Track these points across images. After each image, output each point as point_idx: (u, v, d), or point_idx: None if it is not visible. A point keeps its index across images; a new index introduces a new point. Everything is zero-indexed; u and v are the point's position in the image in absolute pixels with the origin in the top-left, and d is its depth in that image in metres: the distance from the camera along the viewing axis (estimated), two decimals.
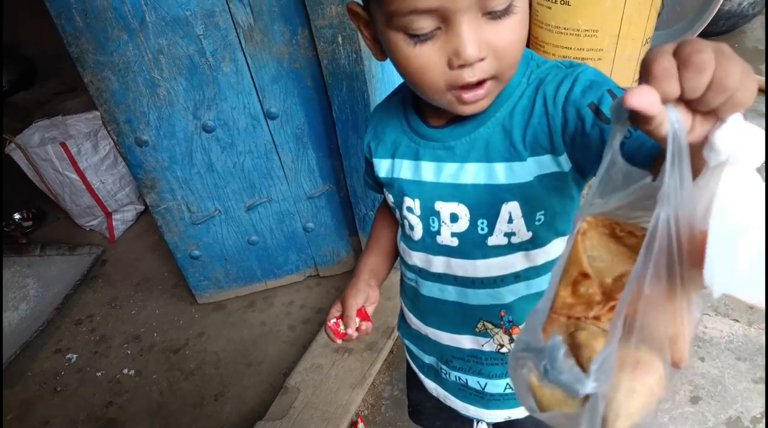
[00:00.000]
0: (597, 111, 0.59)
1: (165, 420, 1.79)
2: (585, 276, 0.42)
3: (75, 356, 2.07)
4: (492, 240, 0.74)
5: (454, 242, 0.77)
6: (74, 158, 2.38)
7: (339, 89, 1.59)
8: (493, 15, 0.58)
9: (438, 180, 0.75)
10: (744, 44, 2.14)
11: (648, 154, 0.51)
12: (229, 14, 1.49)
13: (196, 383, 1.89)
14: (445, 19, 0.58)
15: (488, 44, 0.60)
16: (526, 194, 0.69)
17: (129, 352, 2.05)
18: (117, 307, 2.27)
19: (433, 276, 0.83)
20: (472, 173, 0.71)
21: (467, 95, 0.63)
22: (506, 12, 0.59)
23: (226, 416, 1.76)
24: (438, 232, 0.78)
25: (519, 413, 0.93)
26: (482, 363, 0.87)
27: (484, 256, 0.76)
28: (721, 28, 2.19)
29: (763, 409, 1.51)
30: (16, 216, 2.75)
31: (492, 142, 0.69)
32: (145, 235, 2.64)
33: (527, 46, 0.69)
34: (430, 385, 1.01)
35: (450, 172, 0.73)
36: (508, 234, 0.73)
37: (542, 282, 0.78)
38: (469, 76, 0.61)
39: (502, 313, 0.81)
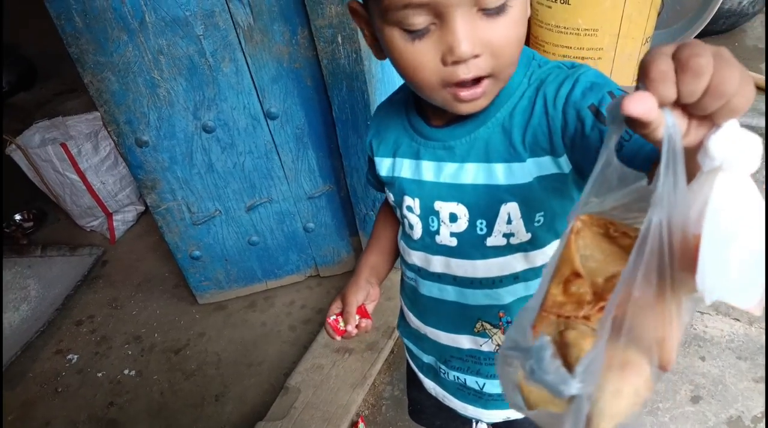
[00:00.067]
0: (597, 113, 0.59)
1: (166, 421, 1.79)
2: (577, 275, 0.42)
3: (76, 357, 2.07)
4: (491, 241, 0.74)
5: (453, 242, 0.77)
6: (75, 159, 2.38)
7: (339, 89, 1.59)
8: (489, 11, 0.58)
9: (438, 179, 0.75)
10: (744, 43, 2.14)
11: (647, 157, 0.51)
12: (229, 14, 1.49)
13: (197, 383, 1.89)
14: (438, 14, 0.58)
15: (483, 41, 0.59)
16: (525, 195, 0.69)
17: (130, 353, 2.05)
18: (118, 308, 2.27)
19: (432, 275, 0.83)
20: (472, 173, 0.71)
21: (463, 93, 0.63)
22: (502, 9, 0.58)
23: (226, 416, 1.76)
24: (437, 232, 0.78)
25: (517, 413, 0.93)
26: (481, 364, 0.87)
27: (483, 257, 0.76)
28: (721, 27, 2.19)
29: (763, 409, 1.51)
30: (17, 217, 2.75)
31: (491, 143, 0.69)
32: (146, 236, 2.64)
33: (527, 45, 0.69)
34: (429, 385, 1.01)
35: (449, 172, 0.73)
36: (507, 235, 0.73)
37: None
38: (464, 72, 0.61)
39: (501, 314, 0.81)
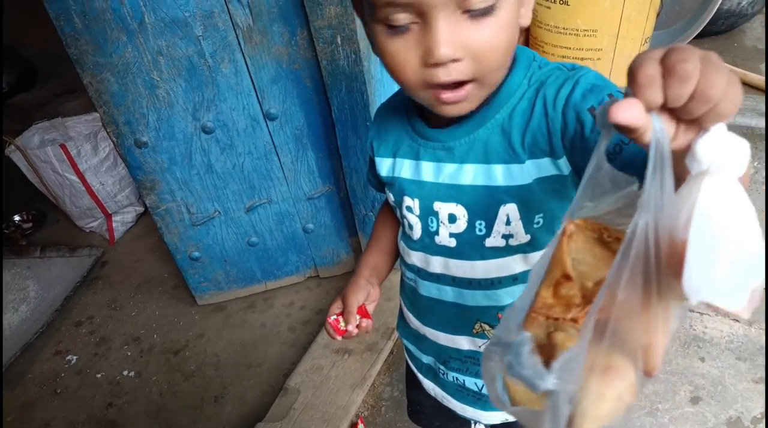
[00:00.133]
0: None
1: (165, 422, 1.78)
2: (567, 277, 0.43)
3: (75, 358, 2.07)
4: (490, 242, 0.74)
5: (452, 243, 0.77)
6: (74, 160, 2.38)
7: (338, 90, 1.59)
8: (474, 13, 0.57)
9: (437, 180, 0.75)
10: (743, 43, 2.14)
11: (645, 162, 0.51)
12: (228, 15, 1.49)
13: (196, 384, 1.89)
14: (421, 14, 0.57)
15: (465, 45, 0.58)
16: (524, 196, 0.69)
17: (129, 354, 2.05)
18: (117, 309, 2.27)
19: (431, 276, 0.83)
20: (471, 174, 0.71)
21: (445, 95, 0.63)
22: (488, 11, 0.57)
23: (226, 417, 1.76)
24: (436, 233, 0.78)
25: None
26: (479, 365, 0.87)
27: (482, 258, 0.76)
28: (721, 27, 2.19)
29: (763, 409, 1.51)
30: (16, 218, 2.76)
31: (490, 144, 0.69)
32: (145, 237, 2.64)
33: (526, 46, 0.69)
34: (429, 385, 1.01)
35: (449, 173, 0.73)
36: (506, 236, 0.73)
37: None
38: (444, 75, 0.60)
39: (500, 315, 0.81)
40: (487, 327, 0.82)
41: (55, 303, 2.27)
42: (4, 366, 2.02)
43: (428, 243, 0.80)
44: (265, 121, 1.71)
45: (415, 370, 1.04)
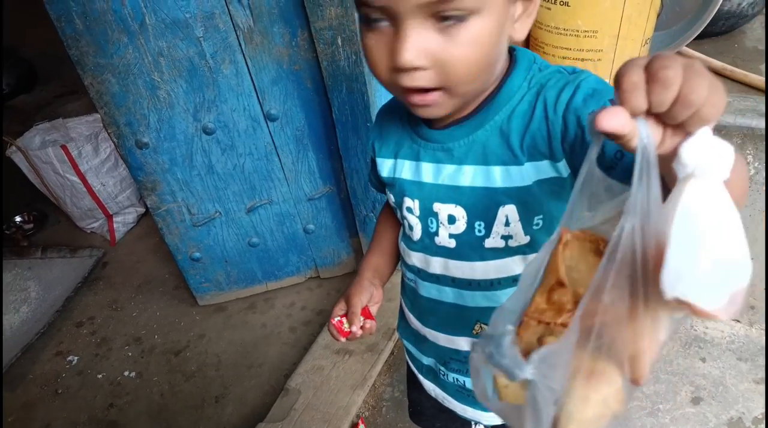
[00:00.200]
0: None
1: (166, 422, 1.79)
2: (561, 284, 0.44)
3: (76, 358, 2.07)
4: (489, 243, 0.74)
5: (452, 243, 0.77)
6: (75, 161, 2.38)
7: (339, 91, 1.59)
8: (447, 23, 0.56)
9: (436, 181, 0.75)
10: (744, 44, 2.14)
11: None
12: (229, 16, 1.49)
13: (197, 385, 1.89)
14: (392, 18, 0.57)
15: (432, 54, 0.58)
16: (523, 198, 0.69)
17: (130, 354, 2.05)
18: (118, 309, 2.27)
19: (431, 277, 0.83)
20: (470, 175, 0.71)
21: (413, 98, 0.63)
22: (461, 20, 0.56)
23: (227, 418, 1.76)
24: (436, 233, 0.78)
25: None
26: None
27: (482, 258, 0.76)
28: (721, 28, 2.19)
29: (764, 410, 1.51)
30: (17, 218, 2.76)
31: (489, 146, 0.69)
32: (146, 237, 2.64)
33: (526, 46, 0.69)
34: (429, 386, 1.01)
35: (448, 174, 0.73)
36: (506, 237, 0.73)
37: None
38: (408, 81, 0.60)
39: None
40: (486, 328, 0.82)
41: (56, 303, 2.27)
42: (5, 366, 2.02)
43: (428, 244, 0.80)
44: (266, 122, 1.71)
45: (415, 371, 1.04)
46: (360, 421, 1.62)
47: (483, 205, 0.72)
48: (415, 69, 0.59)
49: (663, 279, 0.36)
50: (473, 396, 0.92)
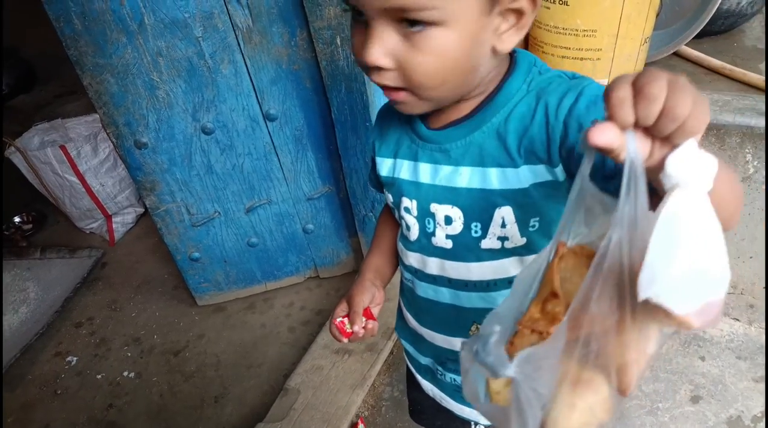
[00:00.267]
0: None
1: (165, 423, 1.78)
2: (555, 295, 0.45)
3: (75, 359, 2.07)
4: (485, 244, 0.74)
5: (449, 244, 0.77)
6: (74, 161, 2.38)
7: (338, 90, 1.59)
8: (410, 28, 0.58)
9: (434, 182, 0.75)
10: (743, 43, 2.14)
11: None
12: (228, 16, 1.49)
13: (197, 385, 1.89)
14: (364, 15, 0.59)
15: (395, 56, 0.60)
16: (519, 200, 0.69)
17: (129, 355, 2.05)
18: (117, 310, 2.27)
19: (428, 277, 0.83)
20: (467, 177, 0.71)
21: (385, 92, 0.65)
22: (424, 25, 0.57)
23: (226, 418, 1.76)
24: (433, 234, 0.78)
25: None
26: None
27: (478, 259, 0.76)
28: (720, 27, 2.19)
29: (763, 408, 1.51)
30: (16, 219, 2.76)
31: (486, 147, 0.69)
32: (145, 238, 2.64)
33: (525, 47, 0.69)
34: (427, 386, 1.01)
35: (445, 175, 0.73)
36: (502, 239, 0.73)
37: None
38: (375, 78, 0.63)
39: None
40: None
41: (55, 304, 2.27)
42: (4, 367, 2.01)
43: (425, 245, 0.80)
44: (265, 122, 1.71)
45: (413, 371, 1.04)
46: (359, 421, 1.62)
47: (479, 207, 0.72)
48: (380, 68, 0.61)
49: (639, 280, 0.37)
50: None
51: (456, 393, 0.94)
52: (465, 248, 0.76)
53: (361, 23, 0.61)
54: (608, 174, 0.53)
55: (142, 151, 1.69)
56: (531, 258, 0.74)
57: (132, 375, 1.97)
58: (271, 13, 1.51)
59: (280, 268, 2.14)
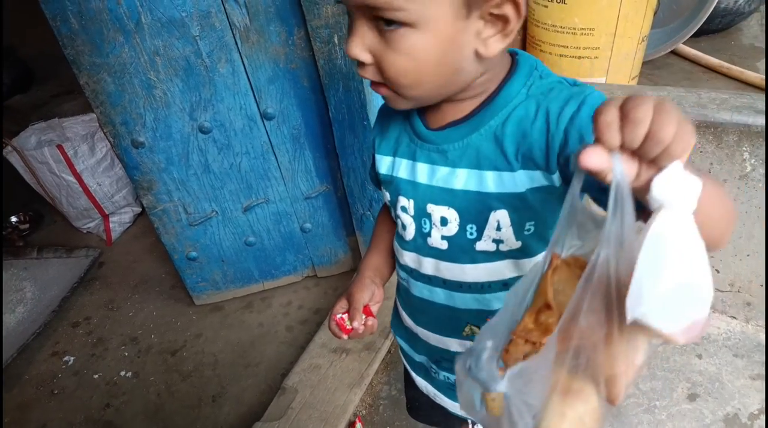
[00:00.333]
0: None
1: (163, 422, 1.78)
2: (548, 306, 0.47)
3: (72, 358, 2.06)
4: (480, 246, 0.74)
5: (444, 245, 0.77)
6: (71, 160, 2.37)
7: (335, 89, 1.59)
8: (386, 27, 0.59)
9: (431, 182, 0.75)
10: (740, 41, 2.15)
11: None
12: (225, 15, 1.49)
13: (194, 384, 1.89)
14: (348, 11, 0.62)
15: (373, 53, 0.62)
16: (515, 204, 0.69)
17: (126, 354, 2.05)
18: (114, 309, 2.26)
19: (423, 277, 0.83)
20: (463, 179, 0.71)
21: (372, 87, 0.67)
22: (397, 24, 0.59)
23: (224, 417, 1.76)
24: (429, 234, 0.78)
25: None
26: None
27: (473, 261, 0.76)
28: (717, 26, 2.19)
29: (760, 406, 1.51)
30: (13, 219, 2.74)
31: (482, 150, 0.69)
32: (143, 237, 2.63)
33: (523, 46, 0.69)
34: (421, 383, 1.01)
35: (442, 176, 0.73)
36: (497, 241, 0.73)
37: None
38: (359, 70, 0.65)
39: (489, 319, 0.81)
40: (476, 330, 0.82)
41: (52, 304, 2.26)
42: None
43: (421, 245, 0.80)
44: (263, 121, 1.71)
45: (408, 368, 1.04)
46: (357, 420, 1.62)
47: (475, 209, 0.72)
48: (362, 62, 0.63)
49: (627, 301, 0.38)
50: None
51: (449, 390, 0.95)
52: (460, 249, 0.76)
53: (351, 18, 0.63)
54: (603, 187, 0.54)
55: (139, 151, 1.69)
56: (526, 261, 0.74)
57: (129, 374, 1.96)
58: (268, 11, 1.50)
59: (278, 267, 2.14)
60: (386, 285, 0.93)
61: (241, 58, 1.57)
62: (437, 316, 0.85)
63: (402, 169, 0.79)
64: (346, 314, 0.84)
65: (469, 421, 1.07)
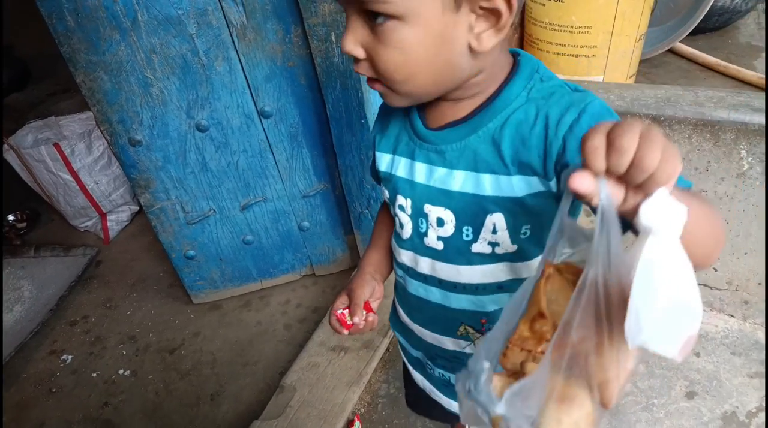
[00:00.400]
0: None
1: (161, 421, 1.78)
2: (542, 315, 0.49)
3: (70, 357, 2.06)
4: (476, 248, 0.74)
5: (440, 246, 0.77)
6: (68, 159, 2.37)
7: (333, 87, 1.59)
8: (376, 21, 0.59)
9: (428, 183, 0.75)
10: (737, 40, 2.15)
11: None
12: (222, 13, 1.49)
13: (192, 383, 1.89)
14: (342, 6, 0.62)
15: (365, 48, 0.63)
16: (511, 208, 0.69)
17: (124, 353, 2.05)
18: (112, 308, 2.26)
19: (419, 275, 0.83)
20: (460, 181, 0.71)
21: (367, 83, 0.67)
22: (385, 18, 0.59)
23: (222, 416, 1.76)
24: (425, 234, 0.78)
25: None
26: (464, 364, 0.87)
27: (468, 263, 0.76)
28: (714, 24, 2.20)
29: (758, 404, 1.52)
30: (10, 217, 2.74)
31: (480, 153, 0.69)
32: (140, 236, 2.63)
33: (520, 45, 0.69)
34: (418, 377, 1.02)
35: (439, 177, 0.73)
36: (492, 244, 0.73)
37: None
38: (354, 66, 0.65)
39: (483, 321, 0.81)
40: (471, 330, 0.82)
41: (49, 302, 2.26)
42: None
43: (417, 244, 0.80)
44: (260, 119, 1.71)
45: (405, 362, 1.05)
46: (355, 418, 1.62)
47: (471, 211, 0.71)
48: (356, 58, 0.64)
49: (626, 331, 0.40)
50: None
51: (444, 387, 0.95)
52: (456, 251, 0.76)
53: (346, 15, 0.63)
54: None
55: (136, 149, 1.68)
56: (521, 264, 0.74)
57: (127, 373, 1.96)
58: (265, 9, 1.50)
59: (276, 266, 2.14)
60: (386, 283, 0.93)
61: (238, 56, 1.57)
62: (432, 315, 0.85)
63: (401, 167, 0.79)
64: (347, 309, 0.85)
65: None
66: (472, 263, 0.76)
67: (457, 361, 0.88)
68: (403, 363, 1.11)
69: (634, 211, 0.42)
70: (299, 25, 1.51)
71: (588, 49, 1.88)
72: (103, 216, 2.60)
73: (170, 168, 1.75)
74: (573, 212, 0.72)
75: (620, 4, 1.74)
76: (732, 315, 1.74)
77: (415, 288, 0.86)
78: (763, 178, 1.46)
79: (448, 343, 0.87)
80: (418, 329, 0.91)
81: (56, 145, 2.33)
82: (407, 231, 0.81)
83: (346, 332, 0.84)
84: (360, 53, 0.63)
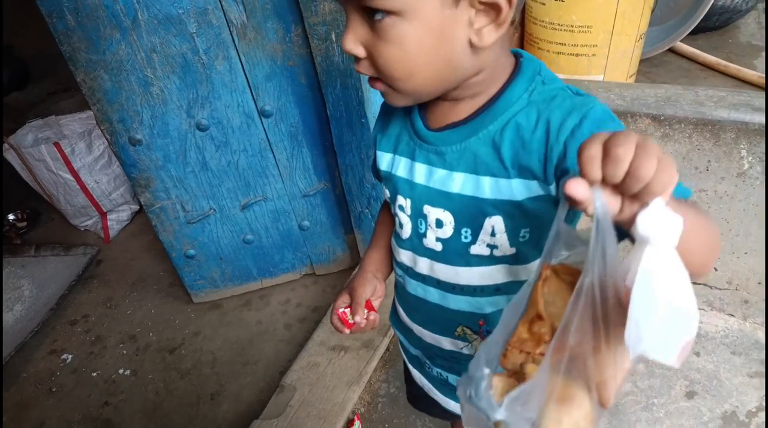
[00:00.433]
0: None
1: (161, 420, 1.78)
2: (540, 317, 0.50)
3: (70, 356, 2.06)
4: (474, 250, 0.74)
5: (438, 247, 0.77)
6: (68, 158, 2.37)
7: (333, 86, 1.59)
8: (375, 17, 0.59)
9: (428, 184, 0.74)
10: (738, 39, 2.15)
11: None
12: (222, 12, 1.49)
13: (192, 383, 1.89)
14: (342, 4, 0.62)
15: (365, 46, 0.62)
16: (510, 211, 0.68)
17: (125, 352, 2.05)
18: (112, 307, 2.26)
19: (418, 276, 0.83)
20: (460, 182, 0.71)
21: (369, 82, 0.67)
22: (384, 14, 0.58)
23: (222, 415, 1.76)
24: (424, 235, 0.78)
25: None
26: (461, 364, 0.87)
27: (467, 264, 0.76)
28: (715, 24, 2.20)
29: (758, 403, 1.52)
30: (10, 216, 2.74)
31: (480, 155, 0.68)
32: (140, 235, 2.63)
33: (521, 44, 0.68)
34: (416, 375, 1.02)
35: (439, 178, 0.73)
36: (491, 246, 0.73)
37: None
38: (355, 65, 0.65)
39: (481, 322, 0.81)
40: (468, 331, 0.82)
41: (50, 302, 2.26)
42: None
43: (416, 244, 0.80)
44: (260, 118, 1.71)
45: (405, 359, 1.05)
46: (356, 417, 1.62)
47: (470, 213, 0.71)
48: (357, 56, 0.63)
49: (626, 341, 0.42)
50: (455, 391, 0.92)
51: (442, 386, 0.95)
52: (454, 252, 0.76)
53: (346, 14, 0.63)
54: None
55: (136, 148, 1.68)
56: (519, 267, 0.74)
57: (127, 372, 1.96)
58: (265, 8, 1.50)
59: (276, 265, 2.14)
60: (386, 283, 0.93)
61: (239, 55, 1.57)
62: (430, 315, 0.85)
63: (401, 167, 0.78)
64: (348, 308, 0.85)
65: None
66: (471, 265, 0.76)
67: (455, 361, 0.88)
68: (404, 360, 1.12)
69: (631, 220, 0.42)
70: (299, 24, 1.51)
71: (588, 49, 1.88)
72: (103, 215, 2.61)
73: (170, 167, 1.75)
74: (572, 219, 0.72)
75: (620, 4, 1.74)
76: (732, 315, 1.74)
77: (414, 288, 0.86)
78: (763, 178, 1.46)
79: (446, 343, 0.87)
80: (416, 328, 0.91)
81: (56, 144, 2.33)
82: (406, 232, 0.81)
83: (347, 331, 0.84)
84: (360, 52, 0.63)
